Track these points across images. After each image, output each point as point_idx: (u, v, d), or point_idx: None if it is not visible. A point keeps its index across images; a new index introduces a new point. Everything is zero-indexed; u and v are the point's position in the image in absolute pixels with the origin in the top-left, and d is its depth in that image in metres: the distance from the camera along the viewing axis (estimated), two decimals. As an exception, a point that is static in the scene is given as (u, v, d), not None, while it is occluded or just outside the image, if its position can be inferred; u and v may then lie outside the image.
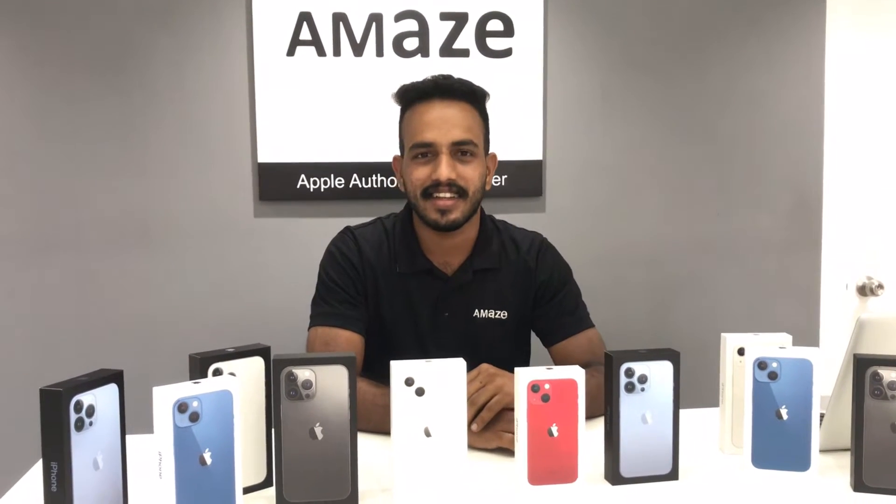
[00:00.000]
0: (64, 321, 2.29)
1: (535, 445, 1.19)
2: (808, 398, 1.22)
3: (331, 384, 1.13)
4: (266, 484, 1.22)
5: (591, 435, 1.25)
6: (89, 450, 1.02)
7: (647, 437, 1.24)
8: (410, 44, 2.34)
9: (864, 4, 2.56)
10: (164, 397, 1.00)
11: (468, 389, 1.33)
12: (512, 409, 1.30)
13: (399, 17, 2.33)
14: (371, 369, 1.63)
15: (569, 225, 2.45)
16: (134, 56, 2.26)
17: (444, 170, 1.61)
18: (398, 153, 1.77)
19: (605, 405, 1.24)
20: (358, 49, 2.32)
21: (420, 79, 1.71)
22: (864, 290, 2.62)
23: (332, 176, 2.34)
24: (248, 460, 1.19)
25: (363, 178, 2.35)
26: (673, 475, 1.25)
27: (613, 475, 1.23)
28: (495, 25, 2.37)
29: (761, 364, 1.23)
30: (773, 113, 2.53)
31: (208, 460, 1.04)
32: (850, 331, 1.29)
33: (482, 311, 1.73)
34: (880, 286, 2.59)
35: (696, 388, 1.60)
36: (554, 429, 1.19)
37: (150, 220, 2.30)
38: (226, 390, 1.06)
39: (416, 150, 1.65)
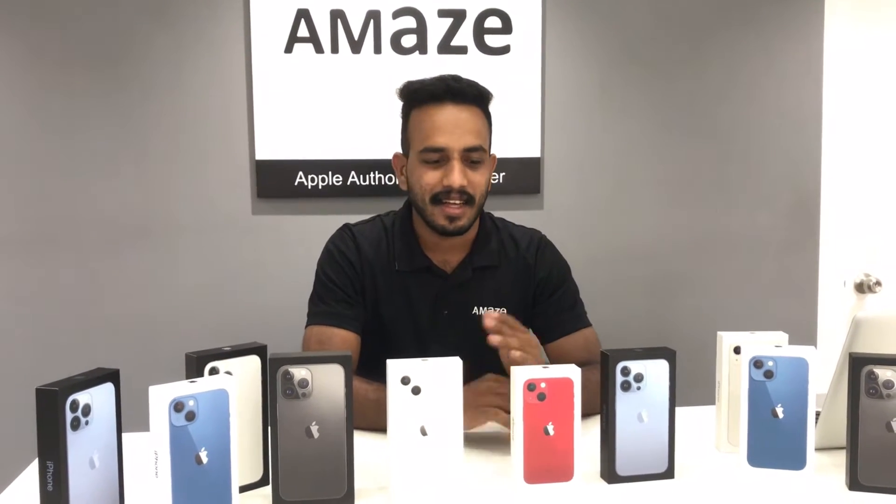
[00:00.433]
0: (61, 319, 2.29)
1: (532, 444, 1.19)
2: (804, 397, 1.22)
3: (327, 383, 1.13)
4: (263, 482, 1.22)
5: (587, 433, 1.25)
6: (85, 449, 1.02)
7: (643, 435, 1.24)
8: (408, 41, 2.34)
9: (862, 0, 2.56)
10: (160, 396, 1.00)
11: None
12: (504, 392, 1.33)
13: (397, 13, 2.33)
14: (370, 367, 1.63)
15: (567, 222, 2.45)
16: (132, 53, 2.26)
17: (457, 177, 1.61)
18: (398, 150, 1.76)
19: (601, 404, 1.24)
20: (356, 46, 2.32)
21: (427, 77, 1.69)
22: (861, 287, 2.62)
23: (330, 173, 2.34)
24: (245, 459, 1.19)
25: (361, 176, 2.35)
26: (669, 473, 1.25)
27: (609, 474, 1.24)
28: (493, 22, 2.37)
29: (757, 363, 1.23)
30: (771, 109, 2.53)
31: (204, 459, 1.04)
32: (848, 328, 1.29)
33: (481, 308, 1.73)
34: (878, 283, 2.60)
35: (694, 386, 1.61)
36: (550, 427, 1.20)
37: (147, 218, 2.30)
38: (222, 389, 1.06)
39: (427, 153, 1.63)
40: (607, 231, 2.49)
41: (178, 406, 1.01)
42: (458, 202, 1.62)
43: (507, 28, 2.37)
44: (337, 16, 2.30)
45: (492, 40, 2.37)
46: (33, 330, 2.28)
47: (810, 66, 2.53)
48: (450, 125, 1.62)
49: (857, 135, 2.59)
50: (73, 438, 1.00)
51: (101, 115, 2.26)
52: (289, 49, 2.30)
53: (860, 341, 1.27)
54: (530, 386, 1.19)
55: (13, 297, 2.28)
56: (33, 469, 1.26)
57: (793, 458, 1.23)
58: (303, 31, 2.30)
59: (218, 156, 2.31)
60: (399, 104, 1.73)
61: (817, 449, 1.32)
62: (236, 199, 2.33)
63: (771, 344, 1.26)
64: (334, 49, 2.31)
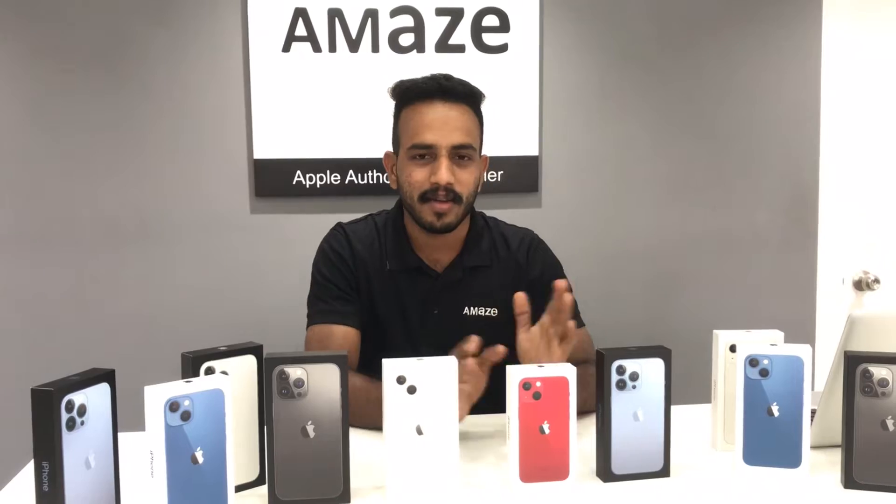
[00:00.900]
0: (59, 318, 2.29)
1: (527, 443, 1.20)
2: (800, 395, 1.22)
3: (322, 383, 1.14)
4: (259, 482, 1.22)
5: (582, 432, 1.25)
6: (81, 449, 1.03)
7: (639, 434, 1.24)
8: (406, 39, 2.34)
9: (860, -2, 2.56)
10: (156, 396, 1.00)
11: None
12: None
13: (395, 12, 2.33)
14: (367, 366, 1.63)
15: (565, 221, 2.45)
16: (129, 53, 2.26)
17: (444, 174, 1.61)
18: (390, 149, 1.76)
19: (596, 402, 1.25)
20: (353, 45, 2.32)
21: (418, 76, 1.70)
22: (860, 285, 2.62)
23: (327, 172, 2.34)
24: (241, 458, 1.19)
25: (359, 175, 2.35)
26: (664, 472, 1.25)
27: (605, 472, 1.24)
28: (491, 21, 2.37)
29: (752, 361, 1.23)
30: (769, 108, 2.53)
31: (200, 459, 1.04)
32: (844, 326, 1.29)
33: (472, 308, 1.73)
34: (876, 280, 2.60)
35: (692, 385, 1.61)
36: (545, 426, 1.20)
37: (145, 217, 2.30)
38: (217, 389, 1.06)
39: (415, 150, 1.63)
40: (605, 229, 2.49)
41: (173, 406, 1.01)
42: (444, 199, 1.62)
43: (504, 26, 2.37)
44: (334, 14, 2.30)
45: (490, 39, 2.37)
46: (31, 330, 2.28)
47: (808, 64, 2.53)
48: (438, 122, 1.62)
49: (855, 133, 2.59)
50: (68, 438, 1.00)
51: (98, 113, 2.26)
52: (286, 48, 2.30)
53: (855, 339, 1.27)
54: (526, 385, 1.19)
55: (10, 296, 2.28)
56: (29, 469, 1.26)
57: (788, 456, 1.24)
58: (300, 30, 2.30)
59: (216, 155, 2.31)
60: (392, 102, 1.73)
61: (813, 447, 1.32)
62: (234, 198, 2.33)
63: (766, 342, 1.26)
64: (332, 48, 2.31)
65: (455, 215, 1.65)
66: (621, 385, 1.23)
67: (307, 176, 2.33)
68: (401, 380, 1.16)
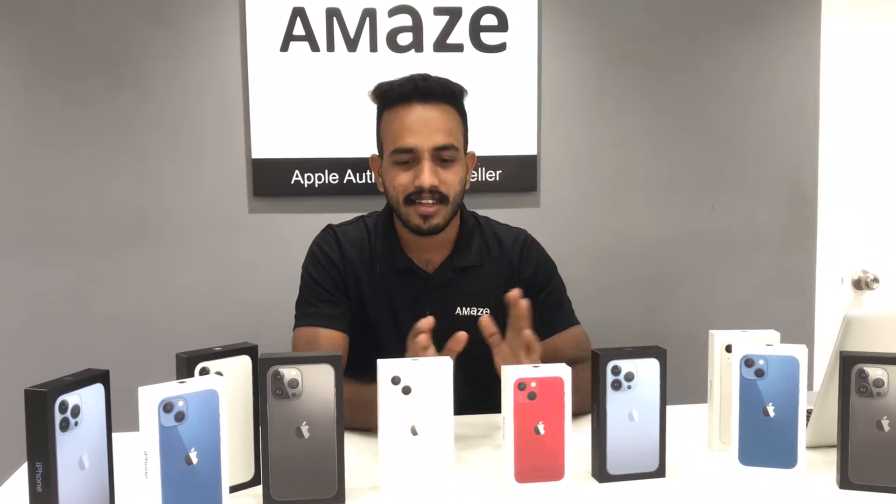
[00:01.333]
0: (58, 319, 2.29)
1: (522, 443, 1.20)
2: (795, 395, 1.22)
3: (317, 383, 1.14)
4: (254, 482, 1.22)
5: (577, 432, 1.25)
6: (75, 450, 1.03)
7: (634, 434, 1.24)
8: (404, 39, 2.34)
9: (859, -3, 2.56)
10: (150, 397, 1.00)
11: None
12: None
13: (393, 11, 2.33)
14: (357, 368, 1.63)
15: (563, 220, 2.45)
16: (127, 52, 2.26)
17: (427, 177, 1.60)
18: (376, 152, 1.76)
19: (591, 403, 1.24)
20: (352, 44, 2.32)
21: (396, 78, 1.69)
22: (859, 284, 2.62)
23: (326, 172, 2.34)
24: (236, 459, 1.19)
25: (357, 174, 2.35)
26: (660, 472, 1.25)
27: (600, 472, 1.24)
28: (489, 20, 2.37)
29: (748, 361, 1.23)
30: (768, 106, 2.53)
31: (194, 459, 1.04)
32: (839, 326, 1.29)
33: (464, 308, 1.73)
34: (875, 280, 2.59)
35: (691, 384, 1.60)
36: (541, 426, 1.20)
37: (144, 217, 2.30)
38: (212, 390, 1.06)
39: (397, 155, 1.63)
40: (604, 228, 2.49)
41: (167, 406, 1.01)
42: (430, 201, 1.61)
43: (503, 26, 2.37)
44: (333, 14, 2.30)
45: (488, 38, 2.37)
46: (30, 330, 2.29)
47: (807, 63, 2.53)
48: (418, 125, 1.61)
49: (854, 132, 2.59)
50: (62, 439, 1.00)
51: (96, 113, 2.26)
52: (284, 47, 2.30)
53: (851, 340, 1.27)
54: (521, 385, 1.19)
55: (9, 296, 2.28)
56: (25, 470, 1.26)
57: (784, 456, 1.23)
58: (298, 30, 2.30)
59: (214, 154, 2.32)
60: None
61: (810, 447, 1.32)
62: (232, 198, 2.33)
63: (762, 342, 1.26)
64: (330, 47, 2.31)
65: (442, 217, 1.64)
66: (616, 385, 1.23)
67: (305, 175, 2.33)
68: (395, 380, 1.16)
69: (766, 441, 1.24)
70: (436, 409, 1.17)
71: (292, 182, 2.33)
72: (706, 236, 2.54)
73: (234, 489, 1.19)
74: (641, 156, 2.49)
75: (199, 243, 2.33)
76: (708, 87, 2.50)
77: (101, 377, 1.08)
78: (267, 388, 1.12)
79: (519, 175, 2.42)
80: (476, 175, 2.37)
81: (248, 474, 1.22)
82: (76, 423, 1.03)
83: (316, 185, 2.34)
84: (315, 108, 2.32)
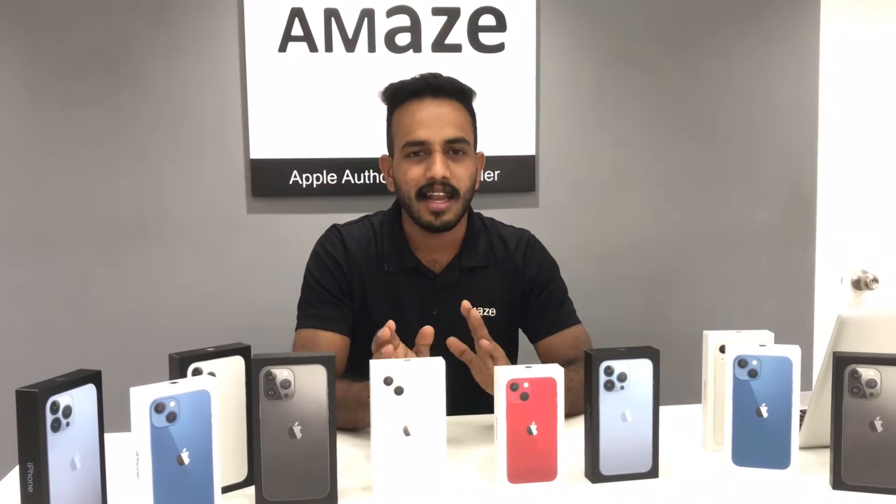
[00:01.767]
0: (56, 319, 2.29)
1: (515, 444, 1.20)
2: (788, 396, 1.22)
3: (309, 384, 1.14)
4: (247, 482, 1.22)
5: (571, 433, 1.25)
6: (66, 450, 1.03)
7: (627, 435, 1.24)
8: (402, 39, 2.34)
9: (858, -4, 2.55)
10: (141, 397, 1.01)
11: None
12: None
13: (391, 12, 2.33)
14: (361, 368, 1.63)
15: (562, 220, 2.44)
16: (126, 53, 2.26)
17: (439, 168, 1.61)
18: (385, 152, 1.77)
19: (584, 403, 1.24)
20: (350, 45, 2.32)
21: (407, 78, 1.71)
22: (859, 284, 2.61)
23: (324, 172, 2.34)
24: (229, 459, 1.19)
25: (356, 175, 2.35)
26: (653, 473, 1.25)
27: (593, 473, 1.24)
28: (488, 20, 2.36)
29: (741, 362, 1.23)
30: (767, 107, 2.52)
31: (186, 460, 1.04)
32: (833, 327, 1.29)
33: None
34: (875, 280, 2.59)
35: (690, 384, 1.60)
36: (533, 427, 1.20)
37: (142, 218, 2.30)
38: (203, 390, 1.07)
39: (409, 148, 1.64)
40: (602, 229, 2.48)
41: (158, 407, 1.02)
42: (442, 195, 1.62)
43: (501, 26, 2.37)
44: (331, 14, 2.30)
45: (486, 38, 2.37)
46: (29, 330, 2.29)
47: (806, 63, 2.52)
48: (430, 118, 1.63)
49: (853, 131, 2.58)
50: (53, 440, 1.00)
51: (95, 114, 2.26)
52: (283, 48, 2.30)
53: (845, 340, 1.27)
54: (513, 386, 1.19)
55: (7, 297, 2.28)
56: (17, 471, 1.27)
57: (777, 457, 1.23)
58: (297, 30, 2.30)
59: (212, 155, 2.32)
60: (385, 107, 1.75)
61: (804, 447, 1.32)
62: (231, 199, 2.33)
63: (755, 343, 1.26)
64: (328, 48, 2.31)
65: (454, 213, 1.65)
66: (609, 386, 1.23)
67: (304, 176, 2.33)
68: (388, 381, 1.16)
69: (760, 442, 1.24)
70: (428, 409, 1.17)
71: (291, 182, 2.33)
72: (705, 236, 2.53)
73: (227, 489, 1.20)
74: (640, 156, 2.48)
75: (198, 243, 2.33)
76: (707, 87, 2.49)
77: (93, 378, 1.08)
78: (259, 389, 1.13)
79: (517, 175, 2.42)
80: (476, 175, 2.37)
81: (242, 475, 1.23)
82: (68, 424, 1.03)
83: (314, 186, 2.34)
84: (313, 108, 2.32)
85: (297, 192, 2.33)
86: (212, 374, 1.16)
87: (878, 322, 1.30)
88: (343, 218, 1.83)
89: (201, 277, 2.34)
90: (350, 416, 1.45)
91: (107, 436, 1.12)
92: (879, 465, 1.18)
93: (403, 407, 1.16)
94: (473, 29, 2.36)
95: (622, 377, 1.23)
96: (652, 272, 2.52)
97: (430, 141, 1.62)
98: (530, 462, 1.20)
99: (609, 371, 1.23)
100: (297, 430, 1.14)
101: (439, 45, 2.35)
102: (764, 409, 1.23)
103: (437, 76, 1.70)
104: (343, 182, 2.35)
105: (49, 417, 1.00)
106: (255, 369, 1.13)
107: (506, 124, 2.38)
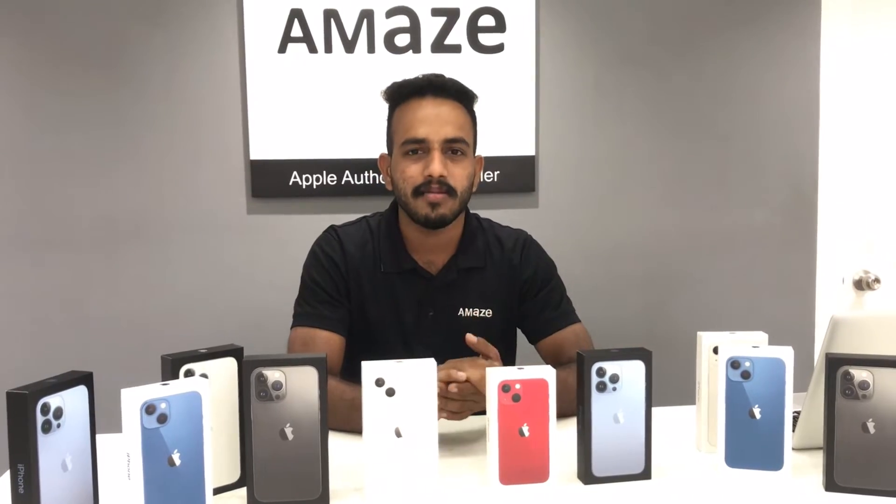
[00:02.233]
0: (55, 319, 2.30)
1: (507, 445, 1.20)
2: (781, 398, 1.22)
3: (301, 385, 1.14)
4: (240, 484, 1.22)
5: (563, 434, 1.25)
6: (57, 452, 1.03)
7: (620, 436, 1.24)
8: (402, 40, 2.34)
9: (859, -3, 2.54)
10: (132, 399, 1.01)
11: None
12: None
13: (390, 13, 2.33)
14: (357, 369, 1.63)
15: (562, 221, 2.44)
16: (126, 54, 2.27)
17: (437, 166, 1.62)
18: (384, 151, 1.77)
19: (577, 404, 1.24)
20: (349, 45, 2.32)
21: (410, 77, 1.71)
22: (860, 285, 2.60)
23: (324, 173, 2.34)
24: (222, 460, 1.20)
25: (355, 175, 2.35)
26: (645, 474, 1.25)
27: (585, 474, 1.24)
28: (487, 21, 2.37)
29: (734, 363, 1.23)
30: (768, 107, 2.52)
31: (177, 461, 1.05)
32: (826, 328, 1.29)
33: (467, 309, 1.73)
34: (877, 280, 2.58)
35: (689, 384, 1.59)
36: (525, 428, 1.20)
37: (142, 218, 2.31)
38: (194, 392, 1.07)
39: (408, 146, 1.64)
40: (602, 229, 2.48)
41: (149, 409, 1.02)
42: (438, 191, 1.62)
43: (500, 26, 2.37)
44: (330, 15, 2.31)
45: (485, 39, 2.37)
46: (28, 330, 2.30)
47: (807, 63, 2.51)
48: (430, 117, 1.64)
49: (854, 132, 2.57)
50: (44, 441, 1.01)
51: (95, 115, 2.27)
52: (282, 49, 2.30)
53: (838, 342, 1.26)
54: (505, 387, 1.19)
55: (6, 297, 2.29)
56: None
57: (770, 458, 1.23)
58: (296, 31, 2.30)
59: (212, 156, 2.32)
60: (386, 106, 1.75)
61: (798, 449, 1.32)
62: (231, 199, 2.34)
63: (749, 344, 1.26)
64: (328, 49, 2.32)
65: (449, 209, 1.64)
66: (601, 387, 1.23)
67: (303, 177, 2.34)
68: (379, 382, 1.16)
69: (753, 443, 1.23)
70: (420, 411, 1.17)
71: (290, 183, 2.33)
72: (706, 236, 2.53)
73: (220, 490, 1.20)
74: (640, 156, 2.48)
75: (198, 244, 2.34)
76: (707, 87, 2.49)
77: (85, 379, 1.08)
78: (251, 390, 1.13)
79: (517, 176, 2.42)
80: (475, 176, 2.37)
81: (235, 476, 1.23)
82: (59, 425, 1.03)
83: (314, 187, 2.34)
84: (313, 109, 2.32)
85: (296, 192, 2.34)
86: (204, 375, 1.17)
87: (871, 323, 1.30)
88: (343, 219, 1.83)
89: (201, 278, 2.34)
90: (344, 419, 1.44)
91: (100, 437, 1.12)
92: (872, 466, 1.18)
93: (395, 408, 1.17)
94: (473, 29, 2.36)
95: (614, 378, 1.23)
96: (652, 272, 2.51)
97: (430, 139, 1.63)
98: (522, 463, 1.20)
99: (601, 372, 1.22)
100: (288, 431, 1.14)
101: (439, 46, 2.35)
102: (757, 411, 1.23)
103: (440, 76, 1.70)
104: (343, 183, 2.35)
105: (40, 419, 1.00)
106: (247, 371, 1.13)
107: (505, 125, 2.38)
